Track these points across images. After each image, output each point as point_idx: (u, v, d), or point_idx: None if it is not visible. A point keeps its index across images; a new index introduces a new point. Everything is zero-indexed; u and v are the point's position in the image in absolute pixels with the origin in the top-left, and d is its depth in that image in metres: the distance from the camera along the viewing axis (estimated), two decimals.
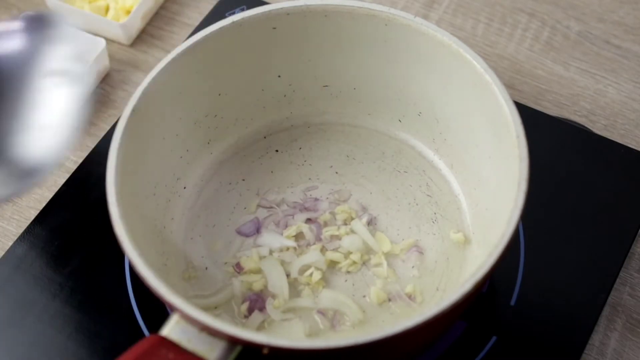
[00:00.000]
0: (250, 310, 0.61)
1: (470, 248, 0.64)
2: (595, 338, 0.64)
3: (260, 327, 0.61)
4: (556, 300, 0.64)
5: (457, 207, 0.66)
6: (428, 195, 0.67)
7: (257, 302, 0.62)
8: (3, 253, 0.68)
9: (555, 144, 0.72)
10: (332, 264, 0.64)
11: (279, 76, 0.68)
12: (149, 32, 0.83)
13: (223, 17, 0.64)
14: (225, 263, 0.64)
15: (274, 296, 0.62)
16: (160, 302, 0.52)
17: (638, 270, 0.68)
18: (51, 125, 0.48)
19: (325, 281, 0.63)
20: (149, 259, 0.54)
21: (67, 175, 0.73)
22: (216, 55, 0.63)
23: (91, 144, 0.76)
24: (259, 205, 0.67)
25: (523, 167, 0.55)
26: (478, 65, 0.59)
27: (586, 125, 0.75)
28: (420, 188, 0.67)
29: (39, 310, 0.65)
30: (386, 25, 0.63)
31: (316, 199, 0.67)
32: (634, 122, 0.76)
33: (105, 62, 0.79)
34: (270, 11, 0.63)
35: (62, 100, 0.46)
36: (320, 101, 0.70)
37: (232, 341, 0.50)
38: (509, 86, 0.78)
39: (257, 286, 0.62)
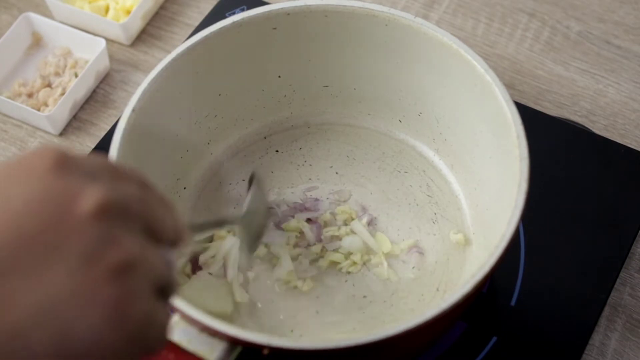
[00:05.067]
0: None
1: (470, 248, 0.64)
2: (596, 338, 0.64)
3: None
4: (556, 300, 0.64)
5: (457, 208, 0.66)
6: (428, 195, 0.67)
7: None
8: None
9: (555, 144, 0.72)
10: (333, 264, 0.64)
11: (279, 76, 0.68)
12: (149, 32, 0.83)
13: (223, 17, 0.64)
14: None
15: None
16: None
17: (638, 271, 0.68)
18: None
19: (325, 281, 0.63)
20: None
21: None
22: (216, 55, 0.63)
23: (91, 144, 0.76)
24: None
25: (523, 167, 0.55)
26: (478, 65, 0.59)
27: (586, 125, 0.75)
28: (421, 188, 0.67)
29: None
30: (386, 25, 0.63)
31: (316, 199, 0.67)
32: (634, 122, 0.76)
33: (105, 62, 0.79)
34: (270, 11, 0.63)
35: None
36: (321, 101, 0.70)
37: (233, 342, 0.50)
38: (509, 86, 0.78)
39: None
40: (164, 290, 0.36)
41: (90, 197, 0.33)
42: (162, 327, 0.36)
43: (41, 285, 0.32)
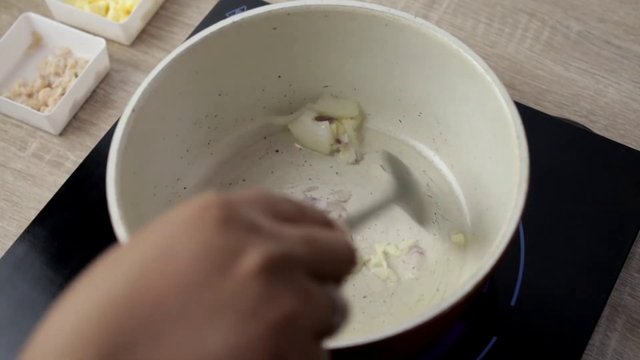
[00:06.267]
0: None
1: (470, 249, 0.64)
2: (596, 338, 0.64)
3: None
4: (556, 300, 0.64)
5: (457, 208, 0.66)
6: (428, 195, 0.67)
7: None
8: (3, 253, 0.68)
9: (555, 144, 0.72)
10: None
11: (279, 76, 0.68)
12: (149, 32, 0.83)
13: (223, 17, 0.64)
14: None
15: None
16: None
17: (638, 270, 0.68)
18: None
19: None
20: None
21: (67, 175, 0.73)
22: (216, 55, 0.63)
23: (91, 144, 0.76)
24: None
25: (523, 168, 0.55)
26: (478, 65, 0.59)
27: (586, 125, 0.75)
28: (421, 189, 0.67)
29: (39, 311, 0.65)
30: (386, 25, 0.63)
31: (316, 199, 0.67)
32: (634, 122, 0.76)
33: (105, 62, 0.79)
34: (270, 11, 0.63)
35: None
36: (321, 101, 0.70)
37: None
38: (509, 86, 0.78)
39: None
40: (325, 332, 0.36)
41: (252, 256, 0.33)
42: None
43: (201, 340, 0.32)
